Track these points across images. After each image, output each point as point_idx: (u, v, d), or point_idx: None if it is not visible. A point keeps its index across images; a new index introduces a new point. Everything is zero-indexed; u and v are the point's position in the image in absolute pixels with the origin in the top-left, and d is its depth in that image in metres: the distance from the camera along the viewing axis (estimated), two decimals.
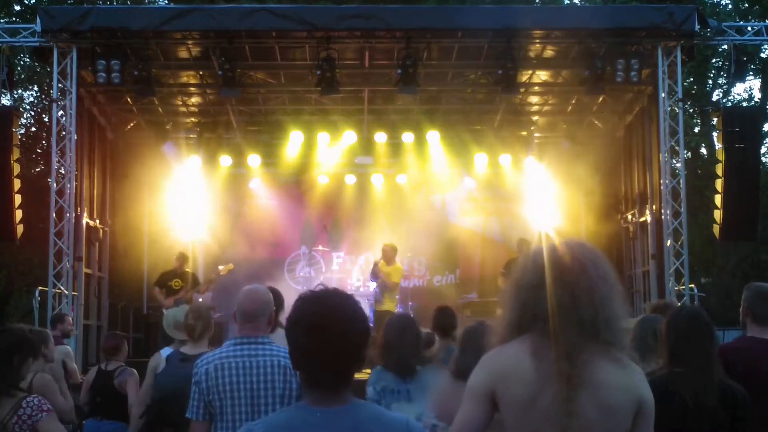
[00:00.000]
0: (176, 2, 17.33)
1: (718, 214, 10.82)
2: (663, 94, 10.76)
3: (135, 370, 6.62)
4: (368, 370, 4.93)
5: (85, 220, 11.99)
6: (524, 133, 14.20)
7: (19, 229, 10.58)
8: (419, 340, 4.82)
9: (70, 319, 9.07)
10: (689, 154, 19.29)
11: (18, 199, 10.49)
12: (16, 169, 10.63)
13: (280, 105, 13.53)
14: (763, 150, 20.16)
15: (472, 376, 2.39)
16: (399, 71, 10.85)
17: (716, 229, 10.95)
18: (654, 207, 11.90)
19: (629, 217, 13.38)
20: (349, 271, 14.26)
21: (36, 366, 5.22)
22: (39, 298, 10.86)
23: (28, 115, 20.48)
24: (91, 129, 12.44)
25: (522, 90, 12.10)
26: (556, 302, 2.30)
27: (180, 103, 13.48)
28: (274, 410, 3.52)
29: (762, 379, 3.95)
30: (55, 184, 10.60)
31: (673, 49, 10.70)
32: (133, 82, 10.94)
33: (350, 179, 14.72)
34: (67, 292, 10.40)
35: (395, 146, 14.17)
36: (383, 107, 13.63)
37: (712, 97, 21.18)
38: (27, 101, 21.12)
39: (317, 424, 2.08)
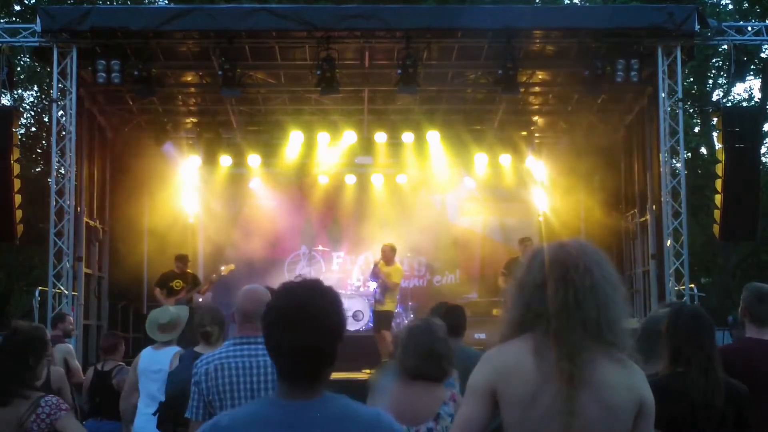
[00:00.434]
0: (176, 2, 17.33)
1: (718, 214, 10.81)
2: (663, 94, 10.75)
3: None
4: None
5: (85, 220, 12.00)
6: (524, 133, 14.20)
7: (19, 229, 10.58)
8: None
9: (71, 318, 9.08)
10: (689, 154, 19.29)
11: (18, 199, 10.49)
12: (16, 169, 10.63)
13: (280, 105, 13.53)
14: (763, 150, 20.18)
15: (473, 373, 2.39)
16: (399, 71, 10.84)
17: (716, 229, 10.94)
18: (654, 207, 11.91)
19: (629, 217, 13.38)
20: (349, 271, 14.28)
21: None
22: (39, 298, 10.86)
23: (28, 115, 20.51)
24: (91, 129, 12.44)
25: (522, 90, 12.10)
26: (559, 301, 2.30)
27: (180, 103, 13.48)
28: None
29: (762, 380, 3.95)
30: (55, 184, 10.59)
31: (673, 49, 10.69)
32: (133, 82, 10.93)
33: (350, 179, 14.73)
34: (67, 292, 10.40)
35: (395, 146, 14.16)
36: (383, 107, 13.62)
37: (712, 97, 21.20)
38: (27, 101, 21.15)
39: (282, 417, 2.06)
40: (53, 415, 3.69)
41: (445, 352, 3.89)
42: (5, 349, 3.90)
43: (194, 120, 13.96)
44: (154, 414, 5.37)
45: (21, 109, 15.02)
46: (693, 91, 20.35)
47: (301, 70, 12.14)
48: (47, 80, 17.51)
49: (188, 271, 12.41)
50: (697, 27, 10.44)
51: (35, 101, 21.37)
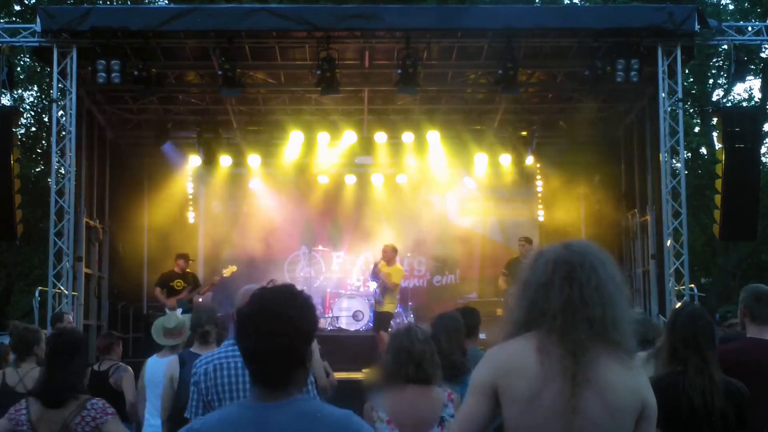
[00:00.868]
0: (176, 2, 17.32)
1: (718, 214, 10.81)
2: (663, 94, 10.74)
3: (129, 367, 6.62)
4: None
5: (85, 220, 12.00)
6: (524, 133, 14.19)
7: (19, 229, 10.58)
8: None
9: (70, 317, 9.07)
10: (689, 154, 19.28)
11: (18, 199, 10.49)
12: (16, 169, 10.63)
13: (280, 105, 13.52)
14: (763, 150, 20.17)
15: (476, 371, 2.39)
16: (399, 71, 10.84)
17: (716, 229, 10.94)
18: (654, 207, 11.91)
19: (629, 216, 13.38)
20: (349, 271, 14.27)
21: (32, 363, 5.23)
22: (39, 298, 10.86)
23: (28, 115, 20.49)
24: (91, 129, 12.44)
25: (522, 90, 12.10)
26: (564, 300, 2.30)
27: (180, 103, 13.47)
28: None
29: (763, 380, 3.95)
30: (55, 184, 10.59)
31: (673, 49, 10.68)
32: (133, 82, 10.92)
33: (350, 179, 14.73)
34: (67, 292, 10.39)
35: (395, 146, 14.16)
36: (383, 107, 13.62)
37: (712, 97, 21.18)
38: (27, 101, 21.13)
39: (251, 420, 2.09)
40: (99, 418, 3.72)
41: (426, 355, 3.88)
42: (55, 352, 3.93)
43: (194, 120, 13.95)
44: (168, 420, 5.36)
45: (21, 109, 14.97)
46: (693, 91, 20.32)
47: (301, 70, 12.14)
48: (47, 80, 17.51)
49: (188, 271, 12.42)
50: (697, 27, 10.43)
51: (35, 101, 21.36)
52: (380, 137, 13.91)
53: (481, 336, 10.54)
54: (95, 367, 6.81)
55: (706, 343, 3.57)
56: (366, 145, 14.19)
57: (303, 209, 14.75)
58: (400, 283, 11.86)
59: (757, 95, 23.06)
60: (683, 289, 10.48)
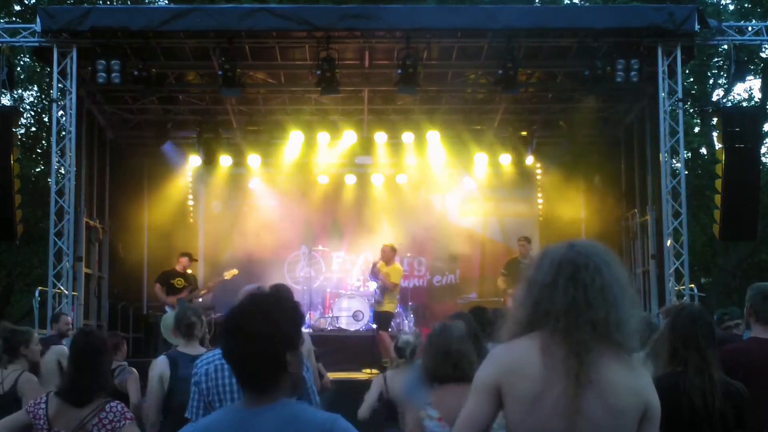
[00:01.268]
0: (176, 2, 17.32)
1: (718, 214, 10.81)
2: (663, 94, 10.75)
3: (134, 369, 6.61)
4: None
5: (85, 220, 11.99)
6: (524, 133, 14.20)
7: (19, 229, 10.58)
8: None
9: (68, 318, 9.01)
10: (689, 154, 19.28)
11: (18, 199, 10.49)
12: (16, 169, 10.63)
13: (280, 105, 13.52)
14: (763, 150, 20.17)
15: (479, 370, 2.39)
16: (399, 71, 10.83)
17: (716, 229, 10.94)
18: (654, 207, 11.91)
19: (629, 217, 13.38)
20: (349, 271, 14.26)
21: (19, 365, 5.21)
22: (39, 298, 10.86)
23: (28, 115, 20.49)
24: (91, 129, 12.43)
25: (522, 89, 12.09)
26: (568, 301, 2.30)
27: (180, 103, 13.47)
28: None
29: (764, 381, 3.95)
30: (55, 184, 10.59)
31: (673, 49, 10.68)
32: (133, 82, 10.91)
33: (350, 179, 14.72)
34: (67, 292, 10.39)
35: (395, 146, 14.16)
36: (383, 107, 13.62)
37: (712, 97, 21.17)
38: (27, 101, 21.13)
39: (234, 424, 2.10)
40: (117, 422, 3.72)
41: (463, 352, 3.90)
42: (82, 351, 3.93)
43: (194, 120, 13.96)
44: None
45: (21, 109, 14.97)
46: (693, 91, 20.32)
47: (301, 70, 12.14)
48: (47, 80, 17.51)
49: (189, 270, 12.42)
50: (697, 27, 10.43)
51: (35, 101, 21.36)
52: (380, 137, 13.91)
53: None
54: None
55: (707, 343, 3.57)
56: (366, 145, 14.19)
57: (303, 209, 14.74)
58: (399, 283, 11.85)
59: (757, 95, 23.06)
60: (683, 289, 10.48)
